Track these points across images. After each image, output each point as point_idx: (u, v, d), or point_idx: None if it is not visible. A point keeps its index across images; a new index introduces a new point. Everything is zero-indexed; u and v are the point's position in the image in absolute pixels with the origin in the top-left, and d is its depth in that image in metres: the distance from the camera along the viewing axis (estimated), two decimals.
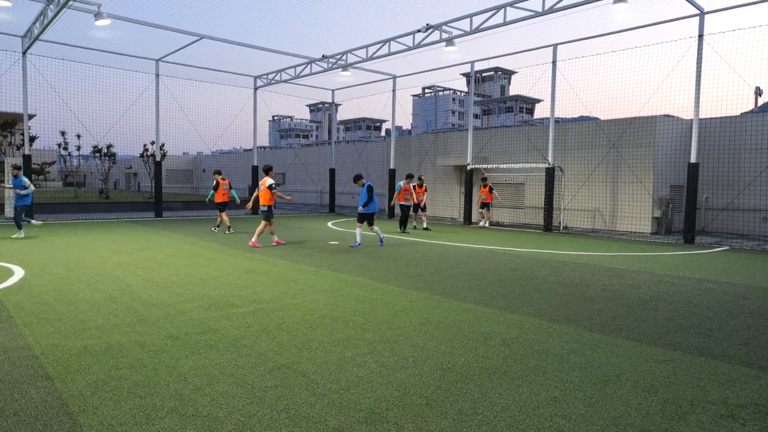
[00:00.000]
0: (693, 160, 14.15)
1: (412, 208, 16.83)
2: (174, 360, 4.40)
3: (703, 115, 14.42)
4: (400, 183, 16.55)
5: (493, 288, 7.67)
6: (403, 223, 16.32)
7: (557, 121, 18.27)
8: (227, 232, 15.14)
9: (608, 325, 5.69)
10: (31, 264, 9.13)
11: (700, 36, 13.88)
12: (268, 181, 12.27)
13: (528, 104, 77.36)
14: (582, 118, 23.72)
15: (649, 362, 4.51)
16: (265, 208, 12.31)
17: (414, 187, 17.01)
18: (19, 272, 8.35)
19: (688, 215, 14.26)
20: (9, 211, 18.18)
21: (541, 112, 77.93)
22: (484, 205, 18.95)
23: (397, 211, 22.88)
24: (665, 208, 16.48)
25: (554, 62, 17.50)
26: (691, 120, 14.28)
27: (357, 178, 12.49)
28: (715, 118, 16.51)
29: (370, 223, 12.39)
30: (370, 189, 12.18)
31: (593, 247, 12.99)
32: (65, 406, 3.48)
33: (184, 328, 5.36)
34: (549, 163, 17.64)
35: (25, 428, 3.18)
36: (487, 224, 18.84)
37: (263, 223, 12.34)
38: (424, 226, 17.34)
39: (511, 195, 20.45)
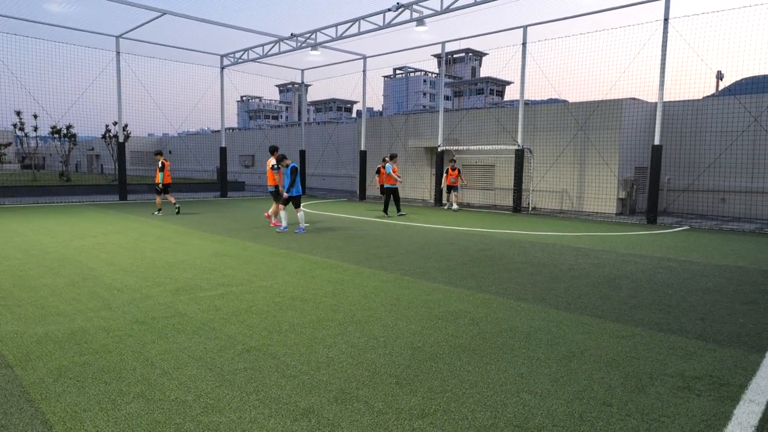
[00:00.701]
0: (657, 142, 14.51)
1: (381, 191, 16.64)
2: (140, 345, 4.32)
3: (667, 98, 14.77)
4: (389, 165, 15.80)
5: (463, 268, 7.76)
6: (397, 206, 15.90)
7: (527, 103, 18.43)
8: (156, 213, 15.18)
9: (573, 303, 5.84)
10: None
11: (666, 20, 14.13)
12: (272, 161, 12.34)
13: (498, 86, 77.76)
14: (551, 101, 24.01)
15: (612, 338, 4.66)
16: (273, 189, 12.45)
17: (380, 169, 16.92)
18: None
19: (651, 196, 14.67)
20: None
21: (511, 94, 78.51)
22: (451, 188, 18.22)
23: (371, 193, 22.87)
24: (630, 189, 16.92)
25: (524, 44, 17.58)
26: (656, 103, 14.61)
27: (281, 159, 11.67)
28: (679, 101, 16.94)
29: (297, 206, 11.64)
30: (294, 171, 11.43)
31: (561, 228, 13.27)
32: (26, 394, 3.39)
33: (151, 312, 5.26)
34: (518, 145, 17.83)
35: None
36: (455, 207, 18.17)
37: (275, 203, 12.57)
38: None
39: (481, 176, 20.63)
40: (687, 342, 4.58)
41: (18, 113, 33.18)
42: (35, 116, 33.29)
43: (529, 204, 18.28)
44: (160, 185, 15.06)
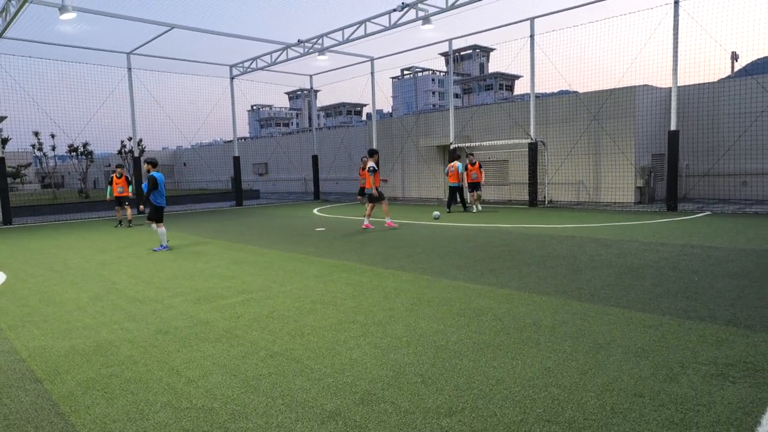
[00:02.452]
0: (673, 128, 14.27)
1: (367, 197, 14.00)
2: (165, 354, 4.35)
3: (681, 82, 14.51)
4: (460, 164, 16.22)
5: (482, 264, 7.70)
6: (463, 202, 16.56)
7: (537, 96, 18.26)
8: (121, 226, 15.48)
9: (597, 294, 5.75)
10: (13, 267, 8.94)
11: (676, 2, 13.90)
12: (369, 164, 12.65)
13: (507, 81, 77.29)
14: (562, 92, 23.72)
15: (639, 328, 4.57)
16: (368, 191, 12.80)
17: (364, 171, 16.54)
18: (0, 277, 8.17)
19: (670, 183, 14.42)
20: None
21: (521, 88, 77.95)
22: (474, 186, 16.31)
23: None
24: (647, 177, 16.65)
25: (532, 36, 17.42)
26: (670, 88, 14.37)
27: (147, 162, 10.20)
28: (693, 85, 16.63)
29: (158, 221, 10.31)
30: (152, 181, 9.96)
31: (579, 220, 13.10)
32: (56, 407, 3.42)
33: (174, 322, 5.29)
34: (531, 138, 17.67)
35: (17, 431, 3.12)
36: (479, 207, 16.50)
37: (369, 205, 12.90)
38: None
39: (495, 172, 20.47)
40: (717, 329, 4.47)
41: (36, 134, 33.82)
42: (52, 136, 33.90)
43: (545, 197, 18.09)
44: (111, 198, 15.61)
